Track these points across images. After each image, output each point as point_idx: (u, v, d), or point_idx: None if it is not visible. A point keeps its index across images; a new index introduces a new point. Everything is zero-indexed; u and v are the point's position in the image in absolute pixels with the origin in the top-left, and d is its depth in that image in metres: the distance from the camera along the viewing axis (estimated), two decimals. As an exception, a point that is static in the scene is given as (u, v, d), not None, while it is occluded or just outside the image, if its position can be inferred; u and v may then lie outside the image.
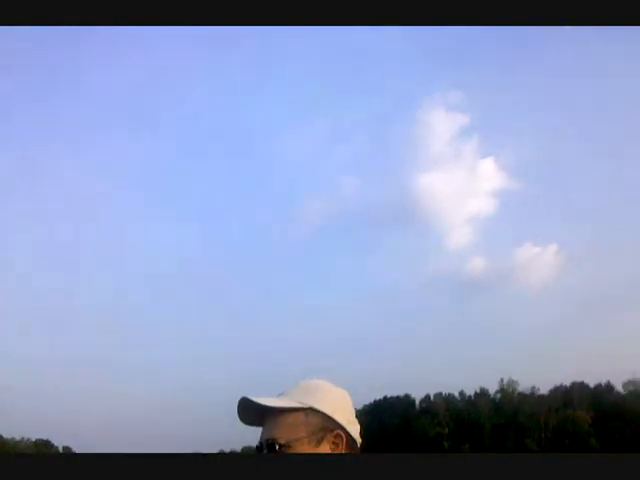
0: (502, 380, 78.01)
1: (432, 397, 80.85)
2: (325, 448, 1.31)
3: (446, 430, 74.64)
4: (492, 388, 78.30)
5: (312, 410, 1.33)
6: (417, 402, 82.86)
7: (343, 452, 1.32)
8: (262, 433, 1.38)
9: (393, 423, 77.40)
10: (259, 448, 1.35)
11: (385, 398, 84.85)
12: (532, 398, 75.50)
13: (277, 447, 1.30)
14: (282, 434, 1.31)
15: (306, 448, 1.30)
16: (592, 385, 75.84)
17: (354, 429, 1.38)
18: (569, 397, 72.85)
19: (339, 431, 1.34)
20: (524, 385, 77.50)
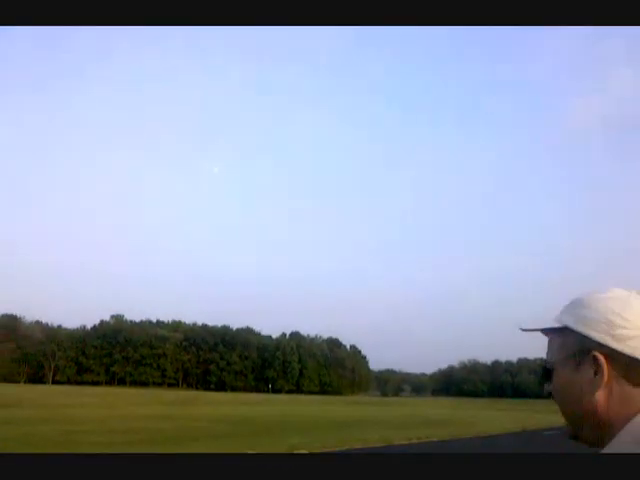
0: None
1: None
2: (588, 373, 1.11)
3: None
4: None
5: (567, 329, 1.16)
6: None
7: (606, 377, 1.09)
8: None
9: None
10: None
11: None
12: None
13: (546, 370, 1.21)
14: (549, 356, 1.21)
15: (566, 372, 1.15)
16: None
17: (624, 345, 1.10)
18: None
19: (595, 352, 1.12)
20: None
